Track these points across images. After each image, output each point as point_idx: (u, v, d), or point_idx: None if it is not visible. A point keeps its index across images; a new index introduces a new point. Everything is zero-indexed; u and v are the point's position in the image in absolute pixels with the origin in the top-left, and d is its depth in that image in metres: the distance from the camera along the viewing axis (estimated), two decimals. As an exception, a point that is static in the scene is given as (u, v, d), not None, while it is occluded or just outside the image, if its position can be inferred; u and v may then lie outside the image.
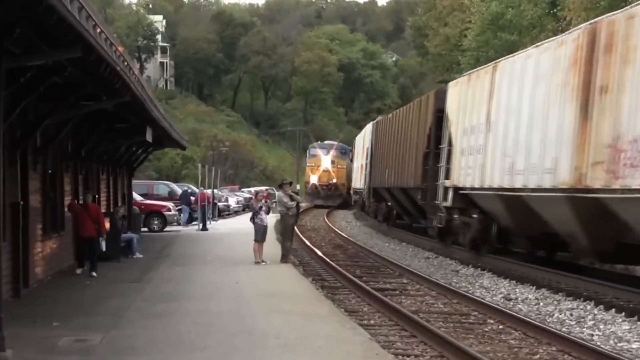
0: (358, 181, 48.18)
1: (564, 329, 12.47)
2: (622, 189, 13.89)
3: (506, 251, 21.58)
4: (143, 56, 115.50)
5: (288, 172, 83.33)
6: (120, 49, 11.83)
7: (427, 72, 78.39)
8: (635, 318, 13.04)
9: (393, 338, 11.63)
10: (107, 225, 18.45)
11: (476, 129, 21.23)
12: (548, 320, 13.35)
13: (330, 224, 38.71)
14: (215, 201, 39.69)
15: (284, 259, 19.55)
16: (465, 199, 21.98)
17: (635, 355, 10.78)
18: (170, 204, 33.34)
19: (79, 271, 16.98)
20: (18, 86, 10.62)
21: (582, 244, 16.44)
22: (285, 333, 10.49)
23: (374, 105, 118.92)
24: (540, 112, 17.25)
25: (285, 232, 19.98)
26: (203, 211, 33.43)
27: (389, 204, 35.81)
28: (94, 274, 16.43)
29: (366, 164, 42.61)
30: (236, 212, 50.12)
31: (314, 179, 62.31)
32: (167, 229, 31.78)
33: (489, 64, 22.58)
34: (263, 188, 56.35)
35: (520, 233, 19.97)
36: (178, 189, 39.63)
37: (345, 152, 63.98)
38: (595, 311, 13.91)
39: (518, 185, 18.05)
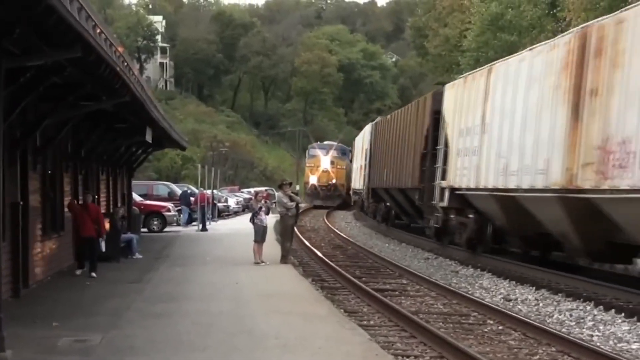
0: (357, 182, 48.15)
1: (563, 330, 12.48)
2: (611, 189, 14.06)
3: (504, 251, 21.70)
4: (143, 56, 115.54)
5: (288, 173, 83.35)
6: (120, 49, 11.83)
7: (427, 73, 78.48)
8: (635, 319, 13.05)
9: (393, 338, 11.63)
10: (107, 225, 18.45)
11: (472, 131, 21.40)
12: (548, 321, 13.35)
13: (329, 225, 38.67)
14: (214, 202, 39.68)
15: (284, 259, 19.55)
16: (461, 200, 22.19)
17: (635, 356, 10.78)
18: (169, 205, 33.35)
19: (78, 272, 16.96)
20: (18, 86, 10.63)
21: (574, 244, 16.56)
22: (285, 333, 10.49)
23: (374, 105, 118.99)
24: (534, 114, 17.44)
25: (285, 232, 19.99)
26: (203, 212, 33.41)
27: (388, 204, 35.86)
28: (93, 274, 16.42)
29: (365, 165, 42.61)
30: (236, 213, 50.14)
31: (313, 180, 62.10)
32: (166, 229, 31.78)
33: (485, 66, 22.71)
34: (263, 188, 56.18)
35: (515, 233, 20.10)
36: (178, 190, 39.65)
37: (345, 152, 63.73)
38: (595, 312, 13.92)
39: (512, 185, 18.21)
